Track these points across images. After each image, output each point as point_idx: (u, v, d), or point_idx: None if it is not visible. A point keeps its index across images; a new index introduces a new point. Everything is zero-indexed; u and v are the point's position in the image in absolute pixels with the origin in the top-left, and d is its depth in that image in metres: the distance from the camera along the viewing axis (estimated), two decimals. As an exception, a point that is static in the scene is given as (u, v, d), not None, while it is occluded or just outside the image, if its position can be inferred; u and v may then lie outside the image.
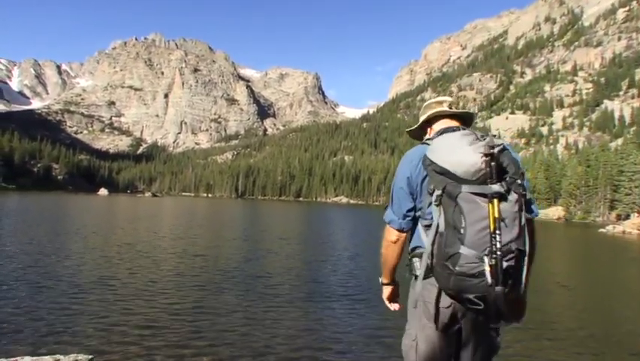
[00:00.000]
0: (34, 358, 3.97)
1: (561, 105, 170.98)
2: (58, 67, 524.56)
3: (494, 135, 2.04)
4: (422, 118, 2.57)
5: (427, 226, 2.11)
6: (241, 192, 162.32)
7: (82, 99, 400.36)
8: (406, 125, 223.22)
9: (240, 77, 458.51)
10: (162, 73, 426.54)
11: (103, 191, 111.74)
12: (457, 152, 1.96)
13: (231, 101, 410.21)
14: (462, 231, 1.88)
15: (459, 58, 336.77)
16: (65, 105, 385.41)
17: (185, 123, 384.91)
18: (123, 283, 9.19)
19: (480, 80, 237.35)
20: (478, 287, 1.86)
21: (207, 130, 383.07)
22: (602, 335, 6.96)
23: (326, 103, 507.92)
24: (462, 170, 1.91)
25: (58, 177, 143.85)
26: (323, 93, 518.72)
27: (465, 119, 2.43)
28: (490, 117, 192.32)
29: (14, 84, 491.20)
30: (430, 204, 2.07)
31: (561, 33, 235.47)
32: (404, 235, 2.23)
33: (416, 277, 2.17)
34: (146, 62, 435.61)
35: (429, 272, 2.08)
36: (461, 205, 1.89)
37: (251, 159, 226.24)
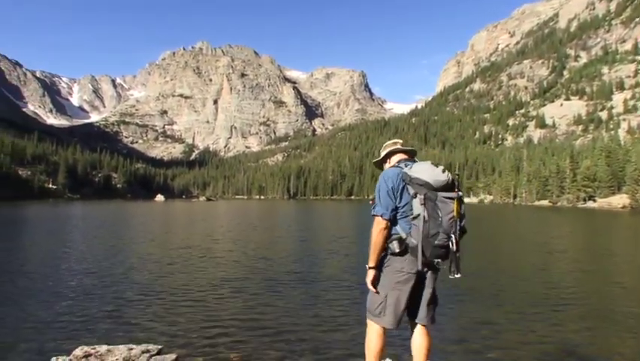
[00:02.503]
0: (110, 346, 4.27)
1: (621, 87, 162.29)
2: (113, 81, 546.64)
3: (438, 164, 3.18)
4: (383, 153, 3.52)
5: (407, 218, 3.10)
6: (293, 192, 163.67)
7: (136, 110, 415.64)
8: (456, 118, 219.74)
9: (287, 80, 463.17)
10: (210, 80, 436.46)
11: (159, 197, 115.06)
12: (434, 173, 3.03)
13: (279, 103, 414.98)
14: (440, 220, 2.94)
15: (507, 46, 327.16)
16: (121, 117, 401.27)
17: (235, 128, 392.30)
18: (187, 281, 9.44)
19: (531, 67, 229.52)
20: (445, 254, 2.99)
21: (257, 133, 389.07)
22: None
23: (373, 100, 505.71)
24: (437, 184, 2.99)
25: (117, 186, 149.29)
26: (370, 90, 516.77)
27: (412, 153, 3.45)
28: (544, 105, 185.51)
29: (75, 100, 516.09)
30: (407, 204, 3.09)
31: (619, 10, 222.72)
32: (389, 223, 3.10)
33: (394, 253, 3.11)
34: (194, 70, 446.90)
35: (405, 250, 3.08)
36: (438, 204, 2.96)
37: (301, 159, 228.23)
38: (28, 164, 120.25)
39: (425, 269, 3.06)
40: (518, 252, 15.08)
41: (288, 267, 11.53)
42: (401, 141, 3.51)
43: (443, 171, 3.06)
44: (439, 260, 3.03)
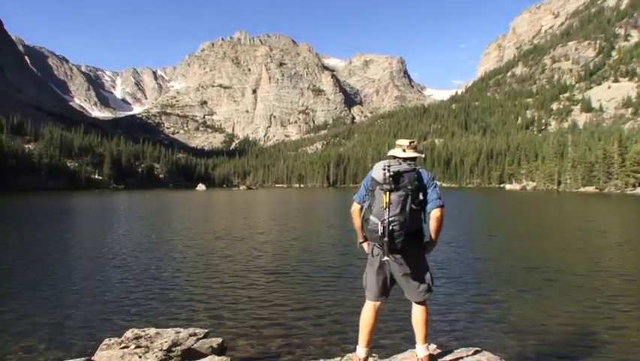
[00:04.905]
0: (159, 330, 4.44)
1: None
2: (154, 73, 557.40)
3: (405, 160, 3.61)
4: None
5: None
6: (332, 180, 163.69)
7: (177, 101, 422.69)
8: (497, 103, 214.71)
9: (325, 67, 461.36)
10: (249, 70, 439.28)
11: (201, 186, 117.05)
12: (378, 171, 3.51)
13: (318, 91, 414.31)
14: (372, 208, 3.49)
15: (551, 27, 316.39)
16: (162, 108, 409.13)
17: (274, 117, 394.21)
18: (231, 268, 9.73)
19: (576, 49, 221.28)
20: (376, 238, 3.45)
21: (296, 122, 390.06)
22: None
23: (412, 87, 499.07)
24: (378, 179, 3.49)
25: (160, 176, 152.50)
26: (409, 77, 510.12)
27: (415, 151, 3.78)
28: (590, 88, 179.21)
29: (118, 93, 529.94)
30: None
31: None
32: (360, 207, 3.67)
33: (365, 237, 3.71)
34: (233, 60, 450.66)
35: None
36: (375, 195, 3.50)
37: (340, 147, 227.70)
38: (75, 156, 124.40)
39: (384, 256, 3.46)
40: (584, 243, 14.27)
41: (332, 256, 11.62)
42: (406, 143, 3.76)
43: (387, 171, 3.45)
44: (375, 243, 3.54)
